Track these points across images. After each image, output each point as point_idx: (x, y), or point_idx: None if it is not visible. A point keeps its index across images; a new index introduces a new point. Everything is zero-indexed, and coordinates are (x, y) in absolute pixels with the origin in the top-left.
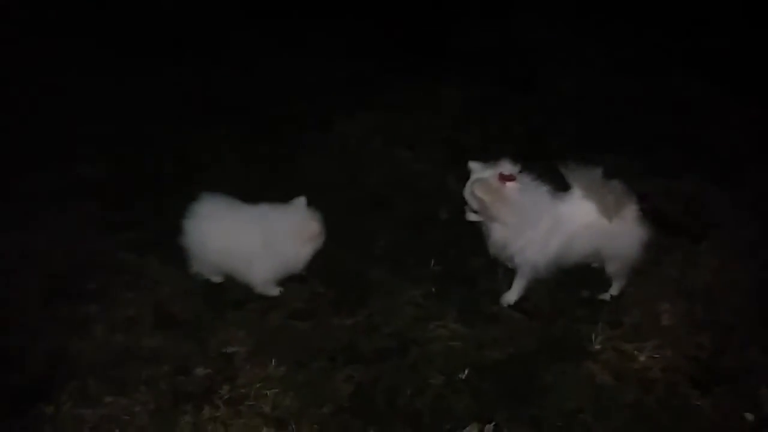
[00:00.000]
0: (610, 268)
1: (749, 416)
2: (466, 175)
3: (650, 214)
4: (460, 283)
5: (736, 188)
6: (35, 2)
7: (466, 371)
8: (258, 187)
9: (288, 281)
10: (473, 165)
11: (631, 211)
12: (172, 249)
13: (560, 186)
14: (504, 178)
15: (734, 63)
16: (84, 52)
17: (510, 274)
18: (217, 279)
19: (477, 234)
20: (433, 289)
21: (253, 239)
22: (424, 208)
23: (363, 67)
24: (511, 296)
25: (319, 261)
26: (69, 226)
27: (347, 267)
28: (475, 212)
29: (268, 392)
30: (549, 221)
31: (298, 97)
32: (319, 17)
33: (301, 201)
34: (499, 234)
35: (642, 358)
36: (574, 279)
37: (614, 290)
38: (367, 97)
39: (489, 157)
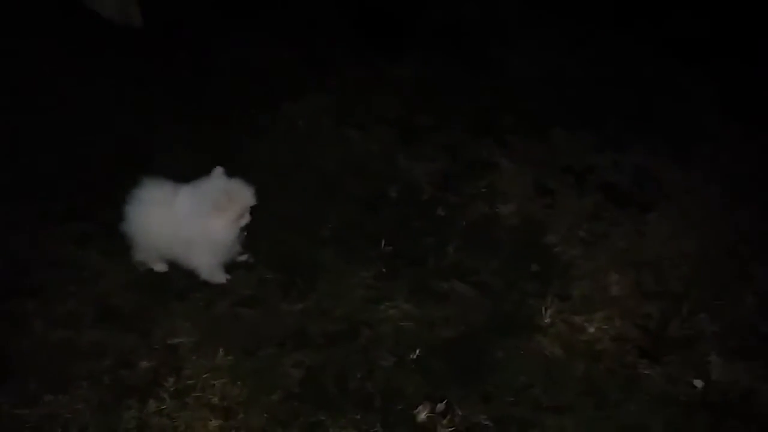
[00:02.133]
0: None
1: (698, 383)
2: (416, 154)
3: (599, 187)
4: (411, 262)
5: (687, 160)
6: None
7: (417, 351)
8: (206, 172)
9: (235, 268)
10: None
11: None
12: (115, 239)
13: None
14: None
15: (694, 38)
16: (25, 39)
17: (461, 252)
18: (160, 268)
19: (427, 213)
20: (384, 270)
21: (192, 222)
22: (375, 189)
23: (312, 49)
24: None
25: (267, 246)
26: (10, 219)
27: (296, 251)
28: None
29: (215, 382)
30: None
31: (247, 79)
32: None
33: (217, 171)
34: None
35: (591, 330)
36: (525, 253)
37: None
38: (316, 78)
39: (441, 136)
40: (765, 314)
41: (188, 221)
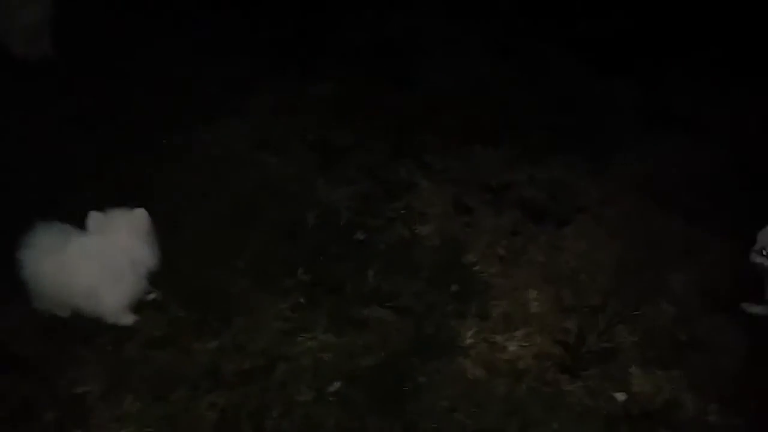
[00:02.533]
0: None
1: (620, 396)
2: (335, 177)
3: (516, 203)
4: (330, 290)
5: (603, 170)
6: None
7: (337, 383)
8: (115, 202)
9: (143, 308)
10: None
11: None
12: (14, 281)
13: None
14: None
15: (614, 48)
16: None
17: (381, 276)
18: (63, 312)
19: (345, 238)
20: (302, 300)
21: (91, 268)
22: (292, 215)
23: (227, 69)
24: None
25: (178, 281)
26: None
27: (209, 285)
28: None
29: None
30: None
31: (158, 103)
32: (182, 14)
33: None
34: None
35: (512, 348)
36: (445, 274)
37: None
38: (232, 100)
39: (360, 156)
40: (681, 322)
41: (85, 265)
